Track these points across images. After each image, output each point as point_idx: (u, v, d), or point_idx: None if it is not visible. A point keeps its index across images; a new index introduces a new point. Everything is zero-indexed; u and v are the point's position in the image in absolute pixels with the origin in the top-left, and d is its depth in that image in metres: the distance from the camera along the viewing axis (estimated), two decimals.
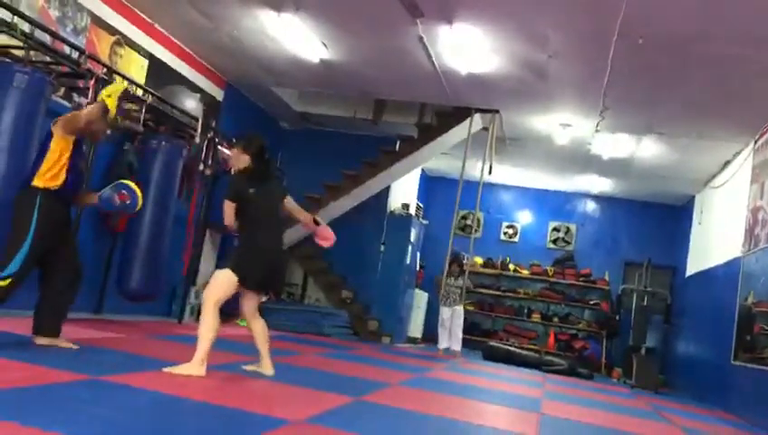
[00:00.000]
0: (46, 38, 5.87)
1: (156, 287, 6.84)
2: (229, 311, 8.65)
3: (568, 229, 13.92)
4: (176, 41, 8.23)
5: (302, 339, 8.65)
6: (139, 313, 7.54)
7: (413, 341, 12.18)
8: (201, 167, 7.86)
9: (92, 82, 5.85)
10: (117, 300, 6.96)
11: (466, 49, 7.32)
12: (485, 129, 9.65)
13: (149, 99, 6.92)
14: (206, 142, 7.50)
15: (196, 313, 8.03)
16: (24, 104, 5.07)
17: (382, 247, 11.47)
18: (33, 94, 5.14)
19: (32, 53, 5.52)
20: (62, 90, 6.35)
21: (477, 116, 9.53)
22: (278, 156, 11.01)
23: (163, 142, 6.85)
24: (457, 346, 9.86)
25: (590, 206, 13.95)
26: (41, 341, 4.22)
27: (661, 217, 13.22)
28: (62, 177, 4.08)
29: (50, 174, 4.05)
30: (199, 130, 7.35)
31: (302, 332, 9.50)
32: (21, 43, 5.38)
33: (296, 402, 3.89)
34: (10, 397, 2.83)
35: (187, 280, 8.29)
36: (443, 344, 9.90)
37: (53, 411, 2.71)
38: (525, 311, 13.61)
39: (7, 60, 5.47)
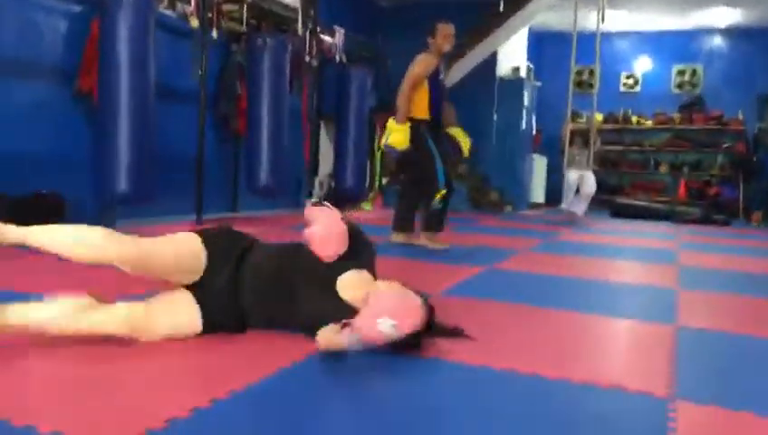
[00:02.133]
0: None
1: (282, 182, 7.12)
2: (353, 197, 8.93)
3: (694, 71, 12.95)
4: None
5: None
6: (271, 207, 7.93)
7: (536, 206, 12.11)
8: (307, 58, 7.90)
9: None
10: (249, 197, 7.34)
11: None
12: None
13: None
14: (308, 33, 7.49)
15: None
16: (137, 18, 5.22)
17: (495, 116, 11.24)
18: (143, 7, 5.28)
19: None
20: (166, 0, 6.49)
21: None
22: (378, 37, 10.84)
23: (267, 39, 6.90)
24: (581, 211, 9.49)
25: (717, 42, 12.82)
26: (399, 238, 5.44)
27: None
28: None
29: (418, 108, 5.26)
30: (300, 21, 7.32)
31: None
32: None
33: (428, 277, 4.01)
34: None
35: (310, 172, 8.57)
36: (567, 205, 9.63)
37: None
38: (652, 163, 13.07)
39: None
